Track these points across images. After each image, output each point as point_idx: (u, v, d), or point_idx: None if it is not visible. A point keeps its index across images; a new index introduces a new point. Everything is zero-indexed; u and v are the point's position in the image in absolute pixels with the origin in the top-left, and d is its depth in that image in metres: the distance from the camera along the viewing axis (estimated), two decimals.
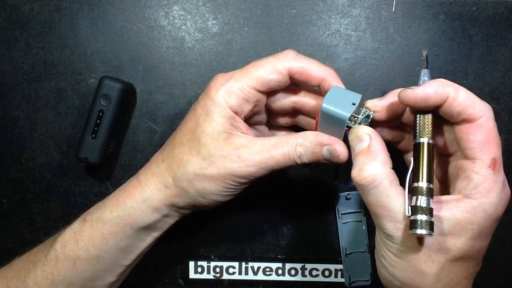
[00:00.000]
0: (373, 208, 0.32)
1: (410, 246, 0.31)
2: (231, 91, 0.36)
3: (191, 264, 0.49)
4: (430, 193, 0.31)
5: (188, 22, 0.47)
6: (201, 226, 0.49)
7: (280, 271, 0.49)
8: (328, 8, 0.47)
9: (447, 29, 0.46)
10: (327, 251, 0.49)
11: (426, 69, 0.35)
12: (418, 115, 0.33)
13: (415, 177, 0.32)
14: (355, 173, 0.32)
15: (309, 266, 0.49)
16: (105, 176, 0.48)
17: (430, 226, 0.30)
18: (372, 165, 0.32)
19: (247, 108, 0.36)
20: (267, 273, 0.49)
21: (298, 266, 0.49)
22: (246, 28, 0.47)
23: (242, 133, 0.36)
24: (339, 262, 0.49)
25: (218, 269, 0.49)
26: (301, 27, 0.47)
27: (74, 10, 0.46)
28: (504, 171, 0.49)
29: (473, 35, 0.46)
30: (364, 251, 0.48)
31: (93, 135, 0.44)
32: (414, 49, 0.47)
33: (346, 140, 0.35)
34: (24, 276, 0.38)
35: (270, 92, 0.38)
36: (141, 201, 0.37)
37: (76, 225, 0.38)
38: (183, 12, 0.47)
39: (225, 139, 0.35)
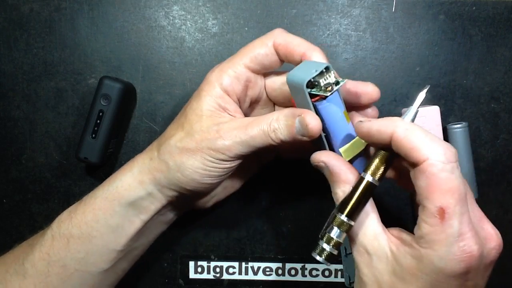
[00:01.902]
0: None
1: (366, 277, 0.31)
2: (223, 70, 0.36)
3: (191, 264, 0.49)
4: (346, 229, 0.31)
5: (188, 22, 0.47)
6: (201, 226, 0.49)
7: (280, 271, 0.49)
8: (328, 8, 0.46)
9: (447, 29, 0.46)
10: None
11: (416, 109, 0.32)
12: (377, 149, 0.32)
13: (342, 206, 0.31)
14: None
15: (309, 266, 0.49)
16: (105, 176, 0.48)
17: (329, 257, 0.30)
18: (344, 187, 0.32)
19: (238, 87, 0.37)
20: (267, 273, 0.49)
21: (298, 266, 0.49)
22: (246, 28, 0.47)
23: (229, 114, 0.37)
24: (339, 262, 0.49)
25: (218, 269, 0.49)
26: (301, 27, 0.47)
27: (74, 10, 0.46)
28: (505, 172, 0.49)
29: (473, 35, 0.46)
30: None
31: (93, 135, 0.44)
32: (414, 49, 0.47)
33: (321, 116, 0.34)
34: (23, 259, 0.38)
35: (269, 79, 0.39)
36: (130, 175, 0.38)
37: (73, 206, 0.40)
38: (183, 12, 0.47)
39: (209, 116, 0.36)
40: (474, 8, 0.46)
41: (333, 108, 0.33)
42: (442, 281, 0.29)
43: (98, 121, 0.44)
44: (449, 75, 0.47)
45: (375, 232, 0.31)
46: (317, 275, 0.49)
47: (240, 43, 0.47)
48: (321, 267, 0.49)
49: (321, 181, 0.48)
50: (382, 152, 0.31)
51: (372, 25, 0.47)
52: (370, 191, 0.31)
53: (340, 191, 0.32)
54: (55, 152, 0.48)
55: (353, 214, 0.31)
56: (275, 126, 0.34)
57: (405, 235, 0.31)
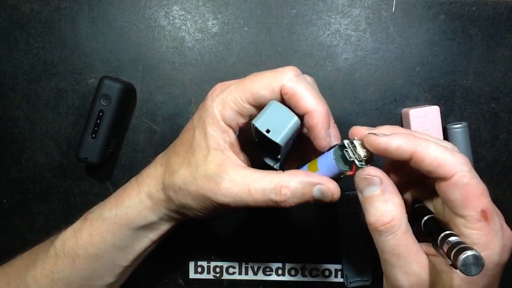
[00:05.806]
0: (387, 256, 0.30)
1: None
2: (226, 102, 0.34)
3: (191, 264, 0.49)
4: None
5: (188, 22, 0.47)
6: (201, 226, 0.49)
7: (280, 271, 0.49)
8: (328, 8, 0.46)
9: (447, 29, 0.46)
10: (327, 251, 0.49)
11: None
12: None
13: (439, 227, 0.30)
14: (372, 219, 0.30)
15: (309, 266, 0.49)
16: (105, 176, 0.48)
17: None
18: (391, 210, 0.30)
19: (240, 121, 0.35)
20: (267, 273, 0.49)
21: (298, 266, 0.49)
22: (246, 28, 0.47)
23: (234, 152, 0.35)
24: (339, 262, 0.49)
25: (218, 269, 0.49)
26: (301, 27, 0.47)
27: (74, 10, 0.46)
28: (505, 172, 0.49)
29: (473, 35, 0.46)
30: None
31: (93, 135, 0.44)
32: (414, 49, 0.47)
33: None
34: (24, 274, 0.38)
35: None
36: (138, 201, 0.37)
37: (77, 224, 0.39)
38: (183, 12, 0.47)
39: (215, 155, 0.34)
40: (474, 8, 0.46)
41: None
42: (496, 274, 0.30)
43: (98, 121, 0.44)
44: (449, 75, 0.47)
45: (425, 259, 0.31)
46: (317, 275, 0.49)
47: (240, 43, 0.47)
48: (321, 267, 0.49)
49: None
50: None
51: (372, 25, 0.47)
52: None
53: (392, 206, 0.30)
54: (55, 152, 0.48)
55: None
56: (287, 194, 0.32)
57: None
